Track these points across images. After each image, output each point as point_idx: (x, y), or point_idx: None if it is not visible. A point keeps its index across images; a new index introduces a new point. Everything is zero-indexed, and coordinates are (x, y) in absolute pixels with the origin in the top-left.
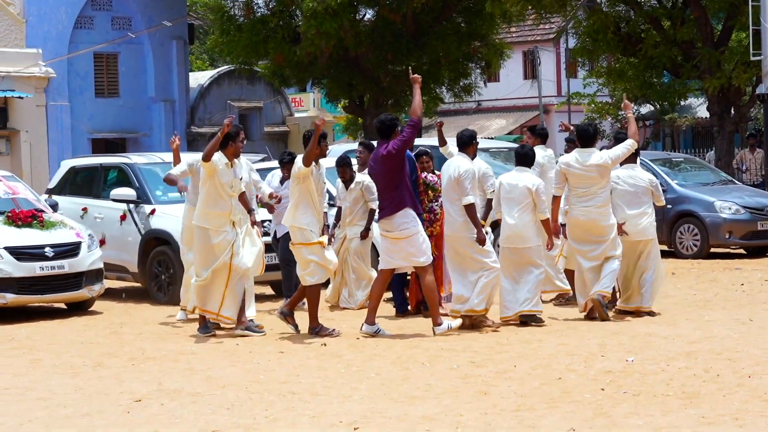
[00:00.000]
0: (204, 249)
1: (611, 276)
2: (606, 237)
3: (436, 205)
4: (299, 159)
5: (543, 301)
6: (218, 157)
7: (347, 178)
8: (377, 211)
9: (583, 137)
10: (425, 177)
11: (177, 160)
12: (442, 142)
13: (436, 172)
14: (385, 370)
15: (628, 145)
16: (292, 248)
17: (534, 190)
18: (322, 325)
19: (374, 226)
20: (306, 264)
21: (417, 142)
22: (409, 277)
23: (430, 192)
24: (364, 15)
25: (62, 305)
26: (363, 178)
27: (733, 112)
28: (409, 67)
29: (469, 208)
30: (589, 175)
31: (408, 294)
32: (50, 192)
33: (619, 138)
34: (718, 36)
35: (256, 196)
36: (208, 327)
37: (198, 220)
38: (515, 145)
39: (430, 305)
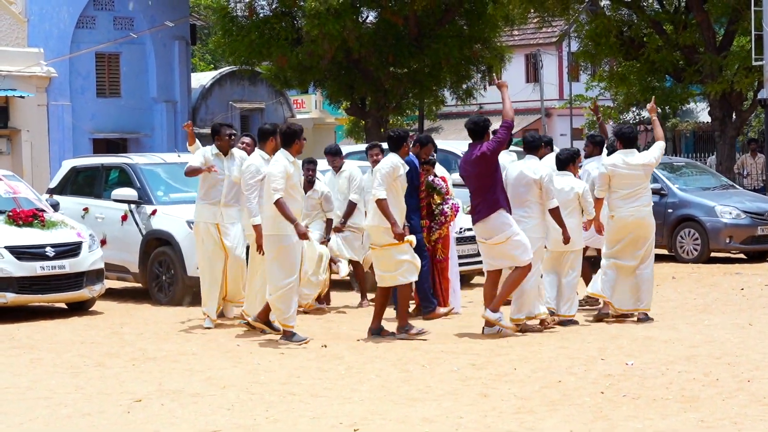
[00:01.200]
0: (281, 256)
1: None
2: (650, 236)
3: (447, 207)
4: (387, 160)
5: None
6: (284, 155)
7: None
8: (455, 214)
9: (626, 138)
10: (432, 180)
11: (192, 141)
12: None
13: (438, 175)
14: (386, 371)
15: (662, 147)
16: (376, 250)
17: (581, 193)
18: (411, 324)
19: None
20: (398, 264)
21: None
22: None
23: (436, 196)
24: (367, 17)
25: (63, 305)
26: (324, 188)
27: (734, 117)
28: (495, 74)
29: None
30: (636, 174)
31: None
32: (51, 192)
33: (619, 134)
34: (720, 41)
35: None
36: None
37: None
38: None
39: (501, 295)
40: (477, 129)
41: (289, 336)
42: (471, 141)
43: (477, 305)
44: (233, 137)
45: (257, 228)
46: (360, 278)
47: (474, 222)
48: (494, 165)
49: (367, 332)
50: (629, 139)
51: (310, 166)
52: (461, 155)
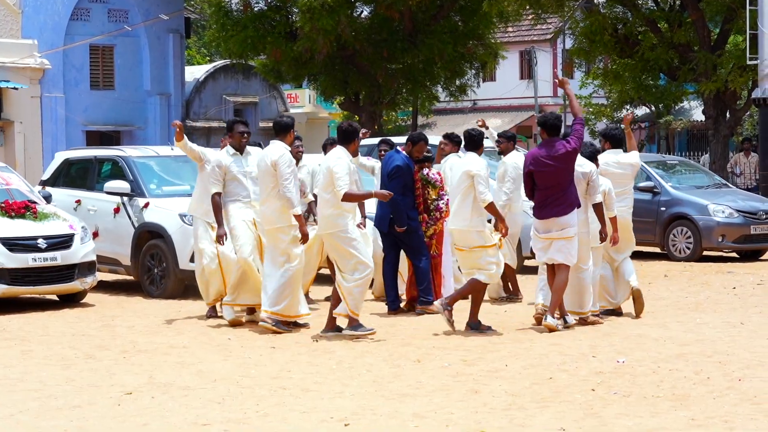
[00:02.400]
0: (350, 250)
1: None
2: (629, 236)
3: (442, 203)
4: (469, 161)
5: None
6: (345, 153)
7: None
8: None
9: (615, 139)
10: (427, 174)
11: (180, 137)
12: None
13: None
14: (377, 367)
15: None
16: (465, 251)
17: (606, 191)
18: (481, 321)
19: None
20: (487, 264)
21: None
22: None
23: (430, 189)
24: (361, 12)
25: (54, 297)
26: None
27: (728, 115)
28: (556, 77)
29: (599, 207)
30: (625, 174)
31: (404, 291)
32: (44, 183)
33: (608, 135)
34: (715, 39)
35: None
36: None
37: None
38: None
39: (552, 298)
40: (556, 124)
41: (356, 326)
42: (546, 137)
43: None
44: (246, 135)
45: (299, 218)
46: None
47: (547, 215)
48: (575, 161)
49: (465, 327)
50: (618, 139)
51: (383, 146)
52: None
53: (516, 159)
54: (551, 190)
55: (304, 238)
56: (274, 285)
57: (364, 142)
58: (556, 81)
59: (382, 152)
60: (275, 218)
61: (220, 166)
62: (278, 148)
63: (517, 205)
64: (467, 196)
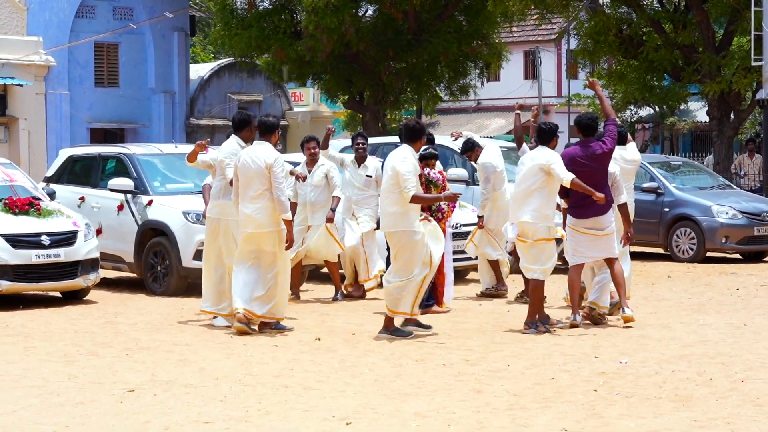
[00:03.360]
0: (413, 250)
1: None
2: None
3: (444, 203)
4: (543, 154)
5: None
6: (411, 152)
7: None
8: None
9: (619, 136)
10: (428, 173)
11: (193, 159)
12: (325, 146)
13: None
14: (379, 366)
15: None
16: (527, 243)
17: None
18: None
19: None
20: (547, 259)
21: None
22: None
23: (433, 189)
24: (366, 11)
25: (57, 294)
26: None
27: (732, 116)
28: (588, 77)
29: (624, 208)
30: (630, 169)
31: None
32: (48, 180)
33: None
34: (719, 41)
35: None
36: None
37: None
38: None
39: (618, 291)
40: (592, 125)
41: (414, 323)
42: (582, 137)
43: (469, 302)
44: (361, 143)
45: (289, 223)
46: (333, 271)
47: (587, 215)
48: (610, 162)
49: (524, 326)
50: (623, 135)
51: (359, 140)
52: (459, 150)
53: (489, 159)
54: (596, 189)
55: (290, 243)
56: (261, 290)
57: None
58: (588, 82)
59: (359, 146)
60: (265, 221)
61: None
62: (271, 150)
63: (502, 204)
64: (540, 189)
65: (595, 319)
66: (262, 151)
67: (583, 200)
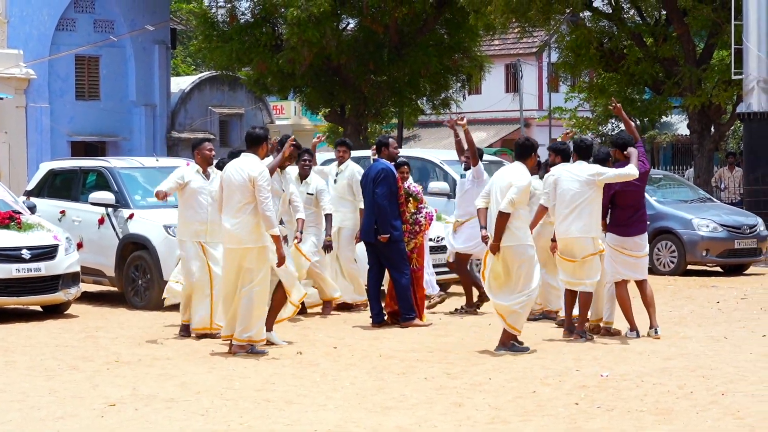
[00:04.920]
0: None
1: None
2: None
3: (421, 216)
4: (587, 168)
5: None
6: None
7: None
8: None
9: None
10: (408, 187)
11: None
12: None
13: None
14: (360, 379)
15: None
16: (576, 263)
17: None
18: (585, 331)
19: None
20: (595, 273)
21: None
22: (384, 288)
23: (412, 202)
24: (347, 24)
25: (38, 308)
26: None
27: (713, 130)
28: (613, 101)
29: None
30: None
31: (384, 305)
32: (28, 194)
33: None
34: (700, 54)
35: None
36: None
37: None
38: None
39: (649, 311)
40: (625, 144)
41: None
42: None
43: (450, 316)
44: (306, 160)
45: (277, 240)
46: (319, 286)
47: (629, 233)
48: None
49: (575, 336)
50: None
51: (306, 156)
52: (439, 164)
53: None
54: (632, 209)
55: (281, 260)
56: (241, 310)
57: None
58: (612, 107)
59: (305, 162)
60: (245, 237)
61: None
62: (256, 162)
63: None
64: (590, 203)
65: (612, 334)
66: (248, 163)
67: (626, 219)
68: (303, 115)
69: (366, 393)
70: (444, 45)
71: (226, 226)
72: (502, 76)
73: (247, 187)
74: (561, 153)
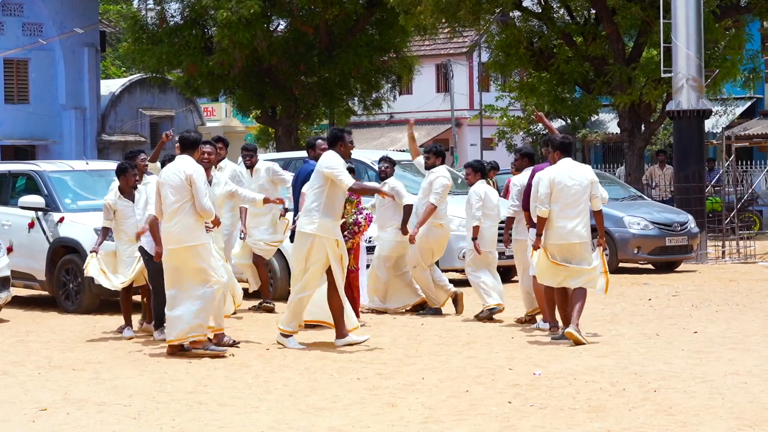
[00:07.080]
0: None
1: None
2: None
3: (361, 217)
4: (582, 169)
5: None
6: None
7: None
8: None
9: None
10: None
11: (157, 155)
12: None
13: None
14: (293, 381)
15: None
16: (576, 270)
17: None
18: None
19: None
20: (596, 273)
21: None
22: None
23: (347, 205)
24: (278, 26)
25: None
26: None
27: (643, 128)
28: (534, 109)
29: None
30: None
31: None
32: None
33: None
34: (629, 53)
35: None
36: None
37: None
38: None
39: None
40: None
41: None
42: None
43: (383, 316)
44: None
45: (217, 220)
46: (264, 279)
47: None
48: None
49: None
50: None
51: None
52: (371, 164)
53: (443, 173)
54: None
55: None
56: (194, 308)
57: (282, 155)
58: (534, 117)
59: (247, 158)
60: (185, 236)
61: None
62: (192, 162)
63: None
64: (586, 208)
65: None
66: (183, 164)
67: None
68: (234, 116)
69: (299, 394)
70: (374, 45)
71: (165, 226)
72: (433, 76)
73: (183, 186)
74: (529, 156)
